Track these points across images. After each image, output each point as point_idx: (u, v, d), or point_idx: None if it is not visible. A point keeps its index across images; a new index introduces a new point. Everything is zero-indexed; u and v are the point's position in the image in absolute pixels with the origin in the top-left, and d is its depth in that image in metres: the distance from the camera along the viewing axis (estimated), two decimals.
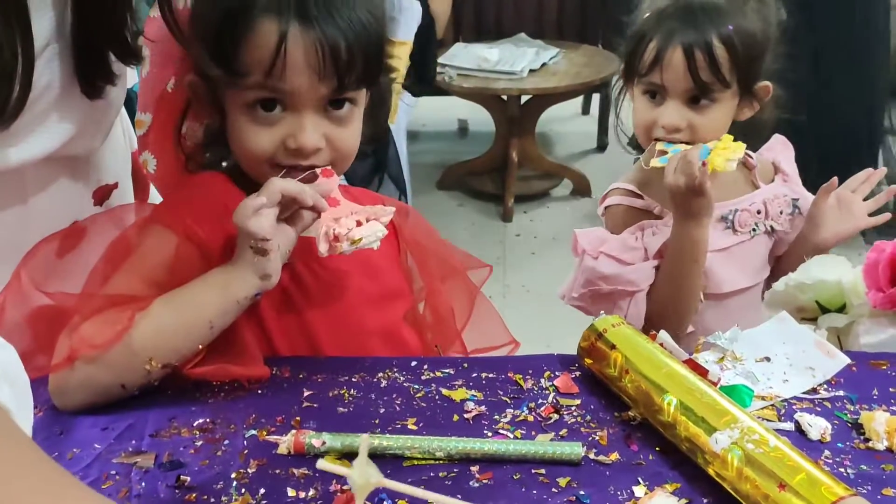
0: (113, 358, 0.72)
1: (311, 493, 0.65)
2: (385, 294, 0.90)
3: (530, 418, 0.74)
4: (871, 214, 1.09)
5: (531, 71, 2.95)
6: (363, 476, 0.37)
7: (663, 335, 0.79)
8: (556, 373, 0.80)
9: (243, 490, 0.65)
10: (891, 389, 0.76)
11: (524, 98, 3.04)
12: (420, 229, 0.97)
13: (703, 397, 0.68)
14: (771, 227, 1.12)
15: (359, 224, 0.77)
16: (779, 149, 1.17)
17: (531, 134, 3.16)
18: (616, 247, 1.08)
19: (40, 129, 0.74)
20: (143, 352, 0.72)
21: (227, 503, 0.64)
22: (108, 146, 0.87)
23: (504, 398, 0.77)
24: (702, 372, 0.74)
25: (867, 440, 0.69)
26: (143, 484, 0.66)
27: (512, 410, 0.75)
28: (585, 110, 3.77)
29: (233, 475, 0.67)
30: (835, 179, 1.09)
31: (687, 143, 1.02)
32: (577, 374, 0.80)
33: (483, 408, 0.75)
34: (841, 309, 0.91)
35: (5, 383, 0.45)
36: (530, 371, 0.81)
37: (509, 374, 0.80)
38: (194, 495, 0.65)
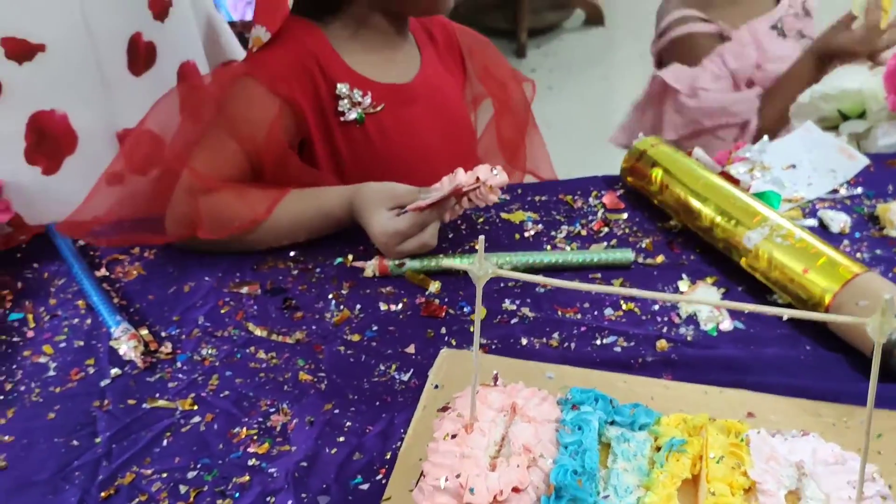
0: (258, 233, 0.82)
1: (401, 305, 0.75)
2: (452, 125, 0.96)
3: (583, 233, 0.83)
4: None
5: None
6: (483, 268, 0.45)
7: (698, 152, 0.87)
8: (602, 192, 0.89)
9: (342, 307, 0.76)
10: None
11: None
12: (490, 56, 1.02)
13: (736, 202, 0.76)
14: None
15: None
16: None
17: None
18: (709, 80, 1.10)
19: None
20: (278, 235, 0.83)
21: (331, 318, 0.75)
22: None
23: (558, 217, 0.86)
24: (734, 182, 0.82)
25: (882, 229, 0.78)
26: (256, 307, 0.77)
27: (566, 227, 0.84)
28: None
29: (330, 296, 0.77)
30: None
31: None
32: (621, 192, 0.89)
33: (540, 227, 0.84)
34: (861, 116, 0.97)
35: None
36: (579, 192, 0.89)
37: (560, 196, 0.89)
38: (301, 314, 0.76)
